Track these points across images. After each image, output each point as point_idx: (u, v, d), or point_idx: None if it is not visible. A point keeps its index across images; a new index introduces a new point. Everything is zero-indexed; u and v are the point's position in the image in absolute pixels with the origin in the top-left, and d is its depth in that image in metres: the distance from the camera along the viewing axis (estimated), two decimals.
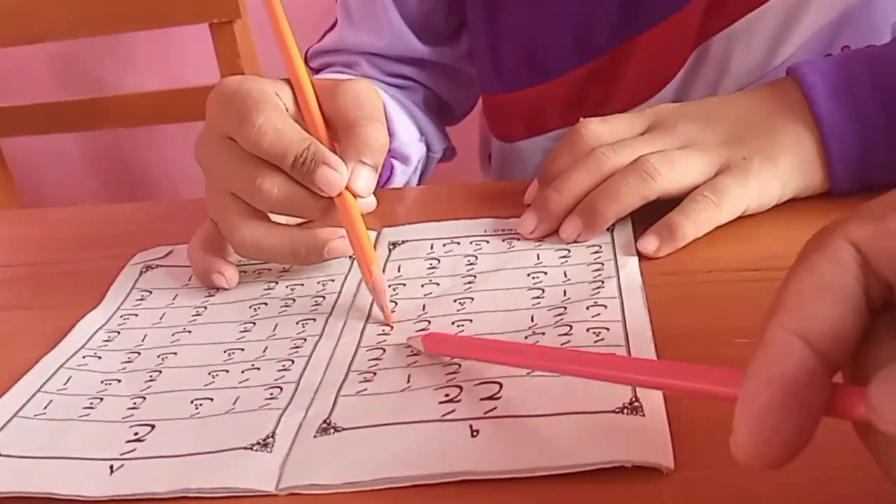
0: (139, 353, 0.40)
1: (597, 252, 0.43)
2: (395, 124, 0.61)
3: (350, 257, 0.45)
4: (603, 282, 0.40)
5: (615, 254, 0.42)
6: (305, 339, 0.39)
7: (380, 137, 0.42)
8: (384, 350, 0.37)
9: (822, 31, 0.52)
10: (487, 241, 0.46)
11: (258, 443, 0.32)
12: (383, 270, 0.44)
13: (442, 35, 0.66)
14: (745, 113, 0.45)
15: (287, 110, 0.43)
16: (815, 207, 0.44)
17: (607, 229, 0.44)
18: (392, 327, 0.39)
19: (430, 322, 0.39)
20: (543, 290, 0.40)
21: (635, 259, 0.42)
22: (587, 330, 0.36)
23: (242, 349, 0.39)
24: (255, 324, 0.41)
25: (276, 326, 0.41)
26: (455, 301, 0.40)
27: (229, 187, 0.42)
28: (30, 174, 1.50)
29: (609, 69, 0.58)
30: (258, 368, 0.37)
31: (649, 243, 0.42)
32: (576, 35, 0.58)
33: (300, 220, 0.45)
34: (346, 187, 0.41)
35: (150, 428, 0.34)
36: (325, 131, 0.42)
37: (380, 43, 0.64)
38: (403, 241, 0.46)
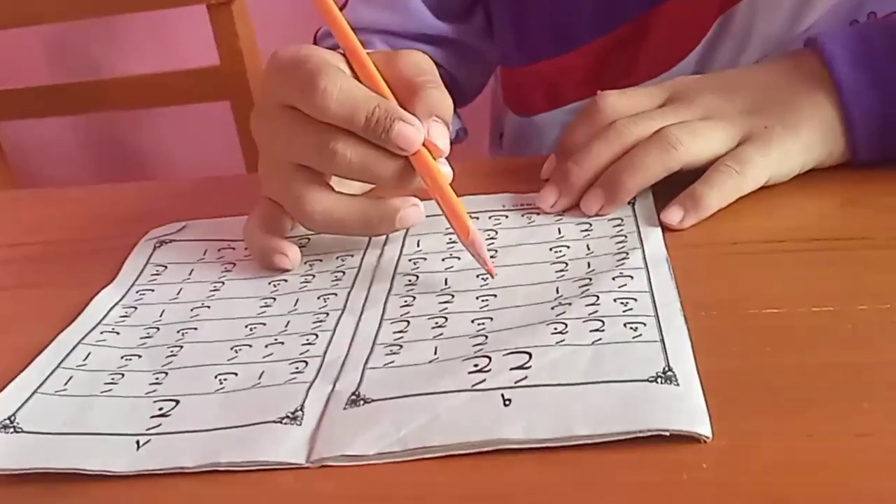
0: (158, 329, 0.39)
1: (619, 225, 0.42)
2: None
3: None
4: (627, 253, 0.40)
5: (638, 226, 0.42)
6: (328, 314, 0.38)
7: (447, 100, 0.41)
8: (408, 322, 0.37)
9: (842, 2, 0.51)
10: (507, 216, 0.45)
11: (287, 416, 0.32)
12: (402, 244, 0.44)
13: (456, 11, 0.65)
14: (765, 83, 0.45)
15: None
16: (838, 177, 0.44)
17: (628, 202, 0.44)
18: (453, 296, 0.38)
19: (453, 296, 0.39)
20: (567, 264, 0.40)
21: (659, 230, 0.41)
22: (614, 300, 0.36)
23: (264, 324, 0.39)
24: (275, 299, 0.41)
25: (296, 301, 0.40)
26: (478, 276, 0.40)
27: (295, 158, 0.41)
28: (25, 157, 1.48)
29: (633, 37, 0.57)
30: (282, 343, 0.37)
31: (674, 214, 0.41)
32: (601, 4, 0.57)
33: (363, 191, 0.44)
34: (424, 144, 0.39)
35: (174, 403, 0.34)
36: (390, 95, 0.41)
37: (394, 19, 0.63)
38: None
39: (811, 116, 0.43)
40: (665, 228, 0.41)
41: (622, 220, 0.43)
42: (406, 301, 0.39)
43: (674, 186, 0.42)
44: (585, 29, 0.59)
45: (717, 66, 0.56)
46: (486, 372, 0.32)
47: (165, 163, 1.51)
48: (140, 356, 0.38)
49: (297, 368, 0.35)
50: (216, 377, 0.35)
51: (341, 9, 0.68)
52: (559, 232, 0.43)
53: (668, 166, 0.42)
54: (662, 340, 0.33)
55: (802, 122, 0.43)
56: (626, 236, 0.41)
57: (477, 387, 0.32)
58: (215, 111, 1.16)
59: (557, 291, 0.38)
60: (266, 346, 0.37)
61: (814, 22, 0.53)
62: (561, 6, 0.59)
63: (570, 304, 0.36)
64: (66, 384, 0.36)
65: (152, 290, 0.43)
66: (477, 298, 0.38)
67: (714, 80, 0.46)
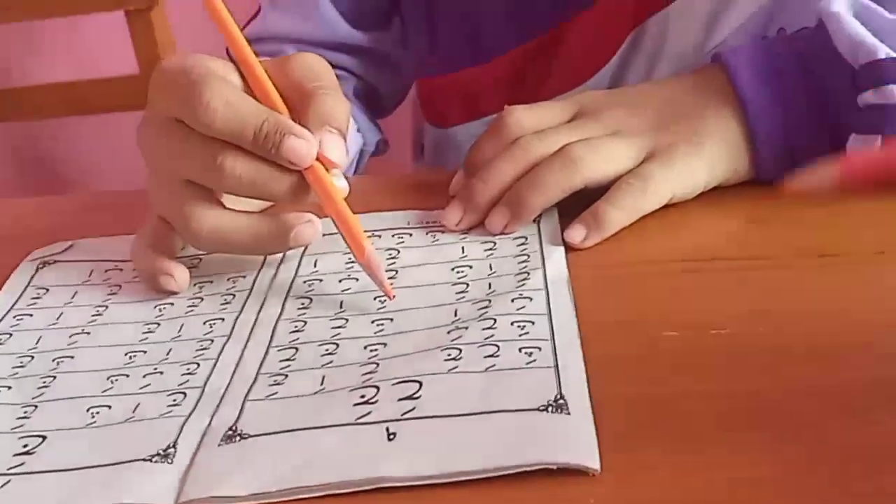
0: (32, 357, 0.37)
1: (523, 244, 0.41)
2: None
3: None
4: (529, 273, 0.38)
5: (541, 245, 0.41)
6: (213, 341, 0.36)
7: (342, 106, 0.39)
8: (297, 349, 0.35)
9: (757, 14, 0.51)
10: (411, 235, 0.44)
11: (158, 453, 0.30)
12: (298, 265, 0.42)
13: (373, 19, 0.64)
14: (671, 99, 0.44)
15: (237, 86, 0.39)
16: (743, 195, 0.43)
17: (534, 220, 0.43)
18: (347, 320, 0.37)
19: (347, 321, 0.37)
20: (468, 284, 0.39)
21: (562, 250, 0.40)
22: (511, 323, 0.35)
23: (145, 352, 0.36)
24: (159, 324, 0.38)
25: (181, 327, 0.38)
26: (375, 299, 0.38)
27: (182, 174, 0.39)
28: None
29: (547, 49, 0.57)
30: (161, 372, 0.35)
31: (576, 233, 0.40)
32: (513, 13, 0.57)
33: (260, 208, 0.42)
34: (317, 158, 0.38)
35: (41, 439, 0.32)
36: (282, 105, 0.39)
37: (307, 28, 0.62)
38: (322, 235, 0.44)
39: (716, 133, 0.43)
40: (569, 247, 0.40)
41: (526, 238, 0.42)
42: (297, 326, 0.37)
43: (582, 204, 0.42)
44: (499, 39, 0.58)
45: (630, 80, 0.56)
46: (371, 403, 0.31)
47: (83, 173, 1.47)
48: (10, 387, 0.35)
49: (174, 401, 0.33)
50: (88, 410, 0.33)
51: (254, 17, 0.66)
52: (463, 251, 0.42)
53: (571, 184, 0.41)
54: (557, 366, 0.32)
55: (707, 138, 0.42)
56: (528, 255, 0.40)
57: (361, 420, 0.30)
58: (134, 121, 1.13)
59: (455, 314, 0.36)
60: (144, 377, 0.35)
61: (724, 38, 0.53)
62: (472, 17, 0.58)
63: (466, 327, 0.35)
64: None
65: (31, 315, 0.40)
66: (372, 322, 0.37)
67: (622, 96, 0.46)
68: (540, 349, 0.33)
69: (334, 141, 0.38)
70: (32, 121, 1.29)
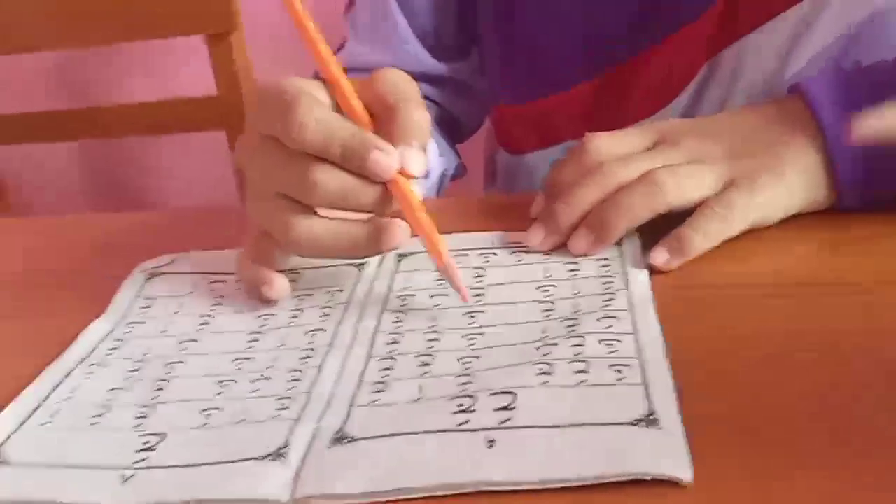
0: (146, 362, 0.40)
1: (606, 265, 0.43)
2: None
3: (358, 266, 0.45)
4: (613, 294, 0.40)
5: (624, 267, 0.42)
6: (315, 350, 0.39)
7: (423, 119, 0.41)
8: (395, 360, 0.37)
9: (832, 46, 0.52)
10: (495, 254, 0.46)
11: (271, 453, 0.32)
12: (391, 281, 0.44)
13: (452, 50, 0.66)
14: (751, 128, 0.46)
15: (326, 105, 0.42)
16: (822, 221, 0.44)
17: (615, 243, 0.44)
18: (440, 334, 0.39)
19: (440, 335, 0.39)
20: (554, 303, 0.40)
21: (645, 272, 0.42)
22: (599, 342, 0.36)
23: (251, 359, 0.39)
24: (263, 334, 0.41)
25: (284, 337, 0.40)
26: (465, 314, 0.40)
27: (278, 188, 0.41)
28: (21, 183, 1.49)
29: (620, 82, 0.58)
30: (268, 378, 0.37)
31: (659, 256, 0.42)
32: (587, 47, 0.58)
33: (353, 217, 0.44)
34: (399, 171, 0.40)
35: (160, 437, 0.34)
36: (367, 119, 0.42)
37: (390, 60, 0.64)
38: (412, 253, 0.46)
39: (796, 162, 0.44)
40: (651, 270, 0.42)
41: (609, 260, 0.43)
42: (393, 338, 0.39)
43: (661, 229, 0.43)
44: (573, 72, 0.60)
45: (705, 110, 0.57)
46: (470, 412, 0.33)
47: (161, 191, 1.52)
48: (127, 390, 0.38)
49: (282, 405, 0.35)
50: (202, 412, 0.35)
51: (339, 49, 0.69)
52: (546, 271, 0.43)
53: (654, 208, 0.42)
54: (646, 384, 0.33)
55: (787, 167, 0.43)
56: (612, 277, 0.42)
57: (461, 427, 0.32)
58: (211, 141, 1.17)
59: (543, 331, 0.38)
60: (252, 382, 0.37)
61: (800, 69, 0.53)
62: (546, 51, 0.60)
63: (555, 344, 0.37)
64: (52, 417, 0.36)
65: (142, 323, 0.43)
66: (463, 337, 0.39)
67: (701, 124, 0.47)
68: (629, 366, 0.34)
69: (415, 153, 0.40)
70: (115, 139, 1.34)
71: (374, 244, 0.41)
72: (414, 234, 0.41)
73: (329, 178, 0.40)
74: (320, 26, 0.43)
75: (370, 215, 0.41)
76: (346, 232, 0.41)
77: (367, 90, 0.42)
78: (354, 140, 0.39)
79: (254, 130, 0.42)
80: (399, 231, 0.40)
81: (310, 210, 0.42)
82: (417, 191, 0.41)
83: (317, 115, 0.39)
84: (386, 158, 0.39)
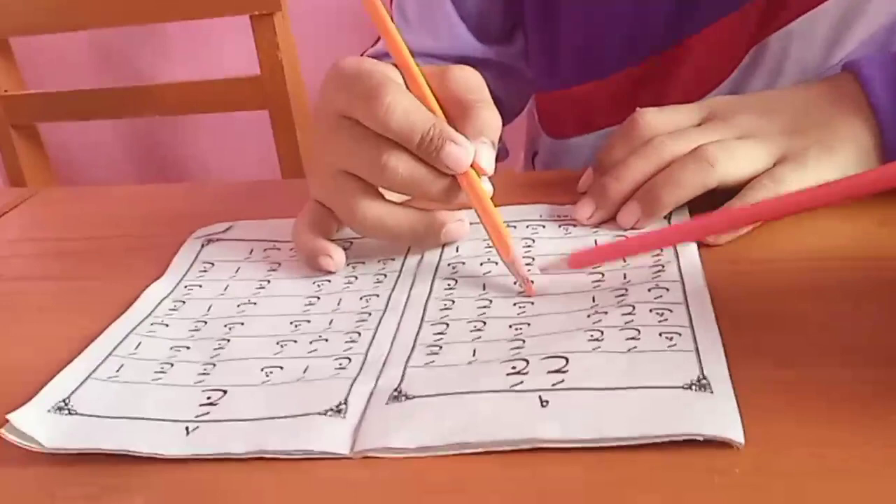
0: (206, 322, 0.41)
1: None
2: None
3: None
4: (663, 266, 0.40)
5: None
6: (370, 314, 0.40)
7: (495, 119, 0.42)
8: (448, 325, 0.38)
9: (878, 33, 0.52)
10: (543, 226, 0.47)
11: (331, 409, 0.33)
12: (442, 249, 0.45)
13: (498, 34, 0.66)
14: (802, 104, 0.46)
15: None
16: (873, 198, 0.44)
17: (664, 217, 0.45)
18: (491, 301, 0.40)
19: (491, 301, 0.40)
20: (603, 274, 0.41)
21: (694, 246, 0.42)
22: (650, 311, 0.37)
23: (309, 321, 0.40)
24: (319, 298, 0.42)
25: (340, 301, 0.41)
26: (515, 283, 0.41)
27: (347, 166, 0.42)
28: (68, 158, 1.52)
29: (663, 68, 0.58)
30: (326, 340, 0.38)
31: None
32: (630, 34, 0.59)
33: (410, 200, 0.46)
34: (471, 165, 0.41)
35: (222, 393, 0.35)
36: (440, 111, 0.43)
37: (437, 44, 0.65)
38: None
39: (847, 139, 0.44)
40: (700, 244, 0.42)
41: None
42: (445, 304, 0.40)
43: (710, 204, 0.43)
44: (616, 59, 0.60)
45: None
46: (523, 374, 0.33)
47: (203, 168, 1.54)
48: (189, 348, 0.39)
49: (340, 364, 0.36)
50: (262, 370, 0.37)
51: (377, 39, 0.69)
52: (595, 244, 0.44)
53: (705, 183, 0.43)
54: (697, 350, 0.34)
55: (838, 144, 0.44)
56: (661, 250, 0.42)
57: (515, 388, 0.33)
58: (254, 120, 1.19)
59: (594, 300, 0.39)
60: (310, 343, 0.38)
61: (846, 55, 0.53)
62: (590, 38, 0.60)
63: (605, 312, 0.37)
64: (117, 371, 0.37)
65: (200, 286, 0.45)
66: (514, 305, 0.39)
67: (752, 100, 0.47)
68: (680, 335, 0.35)
69: (487, 150, 0.41)
70: (159, 116, 1.36)
71: (433, 236, 0.43)
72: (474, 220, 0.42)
73: (401, 163, 0.41)
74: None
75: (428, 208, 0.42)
76: (409, 219, 0.42)
77: (440, 85, 0.43)
78: (434, 130, 0.40)
79: (332, 107, 0.43)
80: (461, 227, 0.42)
81: (376, 192, 0.43)
82: (487, 187, 0.42)
83: (403, 103, 0.40)
84: (461, 151, 0.40)
